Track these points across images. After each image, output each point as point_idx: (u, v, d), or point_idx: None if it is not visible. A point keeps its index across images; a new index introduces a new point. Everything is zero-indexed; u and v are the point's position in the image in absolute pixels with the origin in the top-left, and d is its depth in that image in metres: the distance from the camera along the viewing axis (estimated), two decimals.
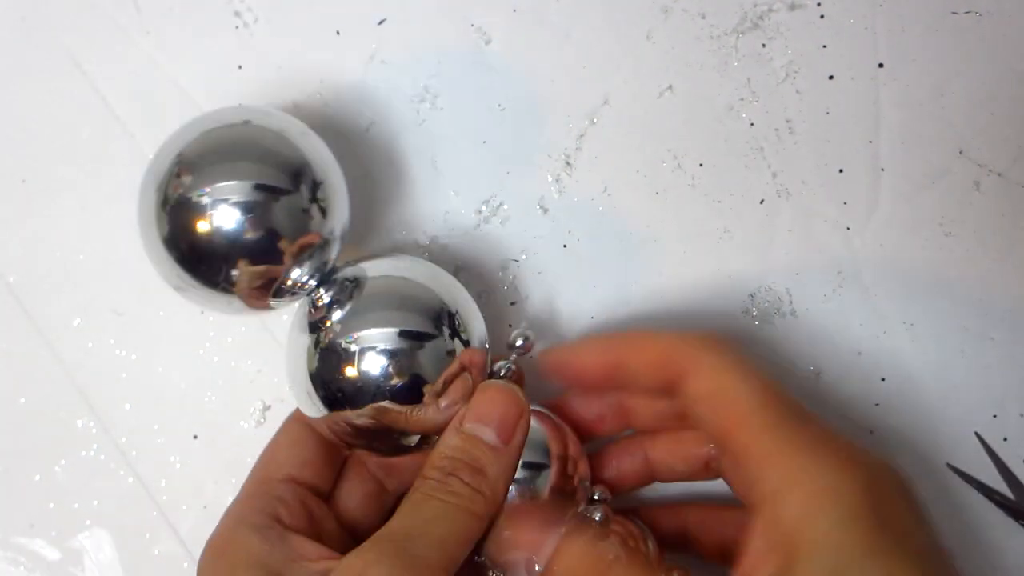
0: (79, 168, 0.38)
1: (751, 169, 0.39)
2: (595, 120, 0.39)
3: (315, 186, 0.31)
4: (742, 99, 0.39)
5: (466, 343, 0.32)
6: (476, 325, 0.33)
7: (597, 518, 0.32)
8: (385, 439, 0.32)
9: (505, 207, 0.39)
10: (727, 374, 0.30)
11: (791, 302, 0.38)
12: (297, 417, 0.34)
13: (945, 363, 0.38)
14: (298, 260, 0.31)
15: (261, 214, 0.30)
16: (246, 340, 0.38)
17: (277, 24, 0.39)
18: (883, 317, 0.38)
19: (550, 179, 0.39)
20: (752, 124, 0.39)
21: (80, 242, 0.38)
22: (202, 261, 0.30)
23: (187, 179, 0.30)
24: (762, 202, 0.39)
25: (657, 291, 0.38)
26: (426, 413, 0.31)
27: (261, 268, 0.30)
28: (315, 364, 0.31)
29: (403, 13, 0.39)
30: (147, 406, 0.38)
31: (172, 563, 0.38)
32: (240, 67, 0.39)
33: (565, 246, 0.39)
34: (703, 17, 0.39)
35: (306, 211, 0.31)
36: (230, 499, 0.37)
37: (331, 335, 0.31)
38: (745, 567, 0.28)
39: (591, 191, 0.39)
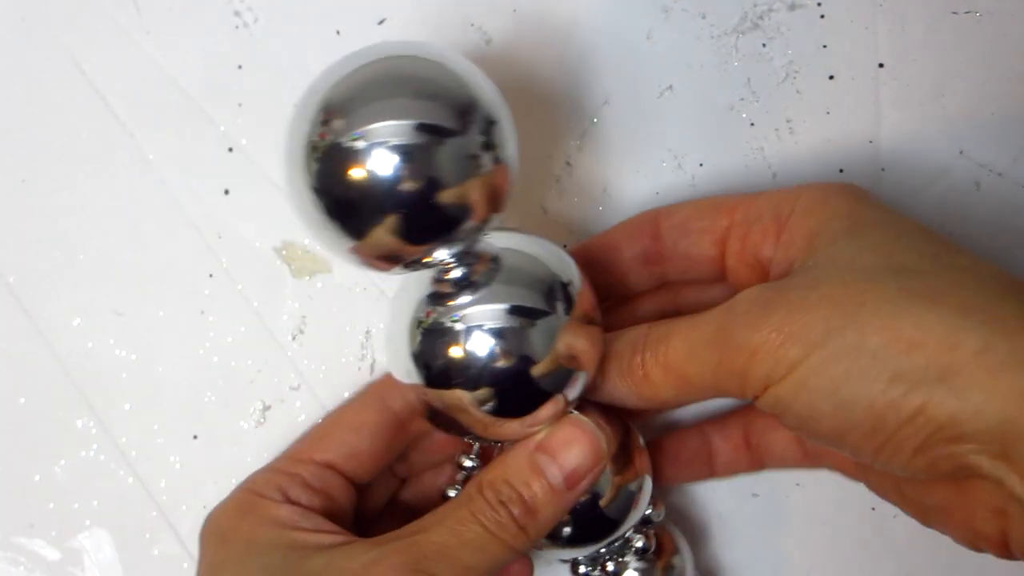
0: (79, 168, 0.38)
1: (751, 169, 0.39)
2: (595, 120, 0.39)
3: (488, 126, 0.27)
4: (742, 99, 0.39)
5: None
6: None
7: (639, 546, 0.31)
8: (460, 431, 0.30)
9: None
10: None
11: None
12: (370, 396, 0.33)
13: None
14: (473, 224, 0.27)
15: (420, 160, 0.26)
16: (246, 340, 0.38)
17: (277, 24, 0.39)
18: None
19: (550, 179, 0.39)
20: (752, 124, 0.39)
21: (80, 242, 0.38)
22: (351, 214, 0.26)
23: (338, 123, 0.26)
24: None
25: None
26: (507, 426, 0.29)
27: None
28: (417, 342, 0.29)
29: (403, 13, 0.39)
30: (147, 406, 0.38)
31: (172, 563, 0.38)
32: (240, 67, 0.39)
33: (565, 246, 0.39)
34: (703, 17, 0.39)
35: (475, 156, 0.27)
36: None
37: (449, 316, 0.28)
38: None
39: (591, 191, 0.39)
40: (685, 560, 0.34)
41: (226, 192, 0.38)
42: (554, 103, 0.39)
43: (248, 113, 0.38)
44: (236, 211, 0.38)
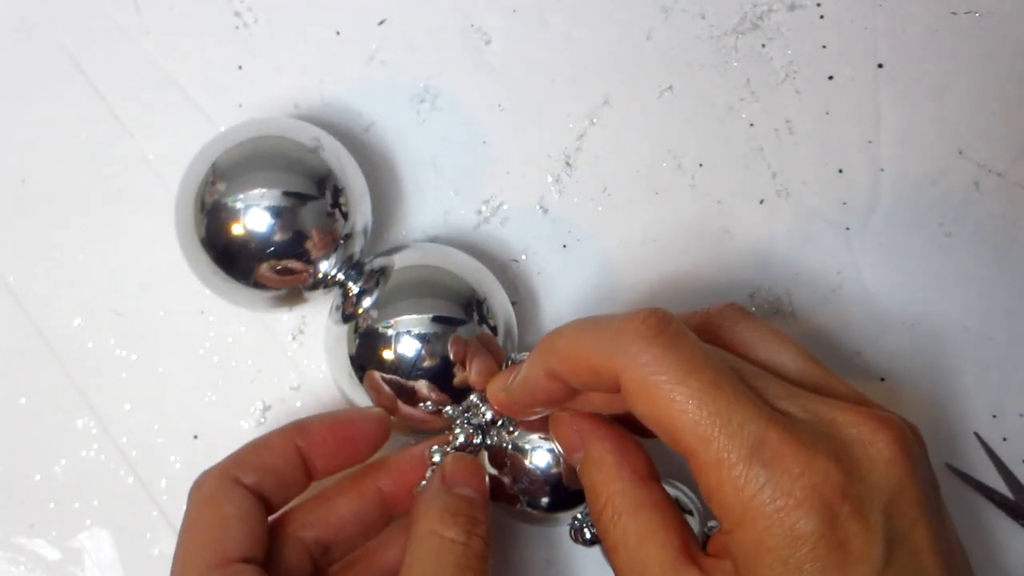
0: (79, 168, 0.38)
1: (751, 169, 0.39)
2: (595, 120, 0.39)
3: (337, 192, 0.33)
4: (742, 99, 0.39)
5: (493, 328, 0.34)
6: (501, 306, 0.35)
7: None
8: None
9: (505, 207, 0.39)
10: (655, 365, 0.26)
11: (791, 302, 0.38)
12: (228, 472, 0.31)
13: (945, 363, 0.38)
14: (324, 256, 0.33)
15: (289, 217, 0.32)
16: (246, 340, 0.38)
17: (277, 24, 0.39)
18: (883, 317, 0.38)
19: (550, 179, 0.39)
20: (752, 124, 0.39)
21: (80, 242, 0.38)
22: (236, 259, 0.33)
23: (221, 186, 0.32)
24: (762, 202, 0.39)
25: (657, 291, 0.38)
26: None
27: (291, 264, 0.33)
28: (354, 348, 0.33)
29: (403, 13, 0.39)
30: (147, 406, 0.38)
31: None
32: (240, 67, 0.39)
33: (565, 246, 0.39)
34: (703, 17, 0.39)
35: (330, 214, 0.33)
36: None
37: (368, 320, 0.33)
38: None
39: (591, 191, 0.39)
40: (696, 517, 0.34)
41: None
42: (554, 103, 0.39)
43: (248, 113, 0.38)
44: None
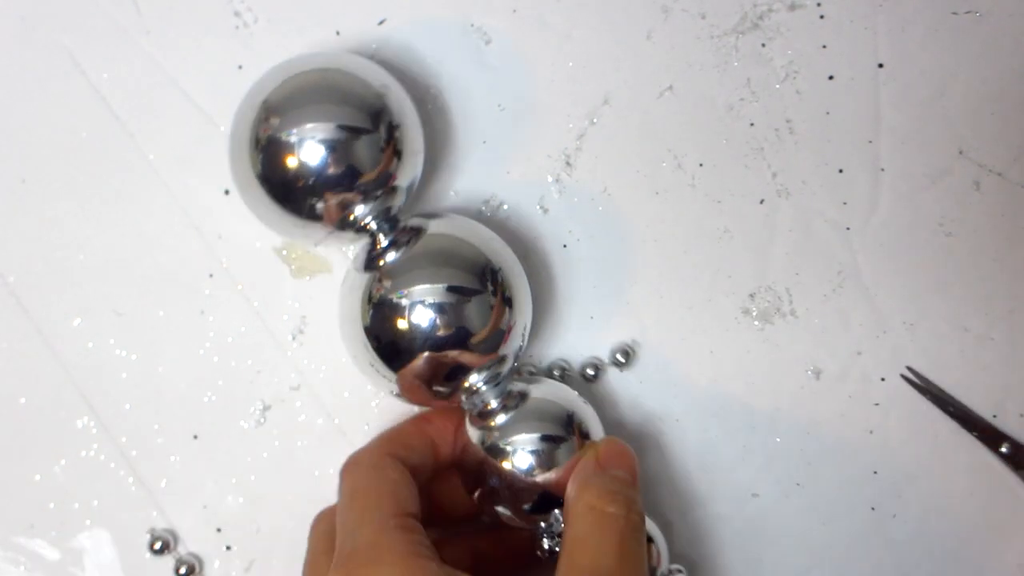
0: (79, 168, 0.38)
1: (751, 169, 0.39)
2: (595, 120, 0.39)
3: (392, 128, 0.33)
4: (742, 99, 0.39)
5: (508, 301, 0.34)
6: (524, 296, 0.35)
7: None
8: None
9: (505, 207, 0.39)
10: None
11: (791, 302, 0.38)
12: (378, 457, 0.34)
13: (945, 363, 0.38)
14: (369, 194, 0.33)
15: (342, 150, 0.32)
16: (246, 340, 0.38)
17: (277, 24, 0.39)
18: (883, 317, 0.38)
19: (550, 179, 0.39)
20: (752, 124, 0.39)
21: (80, 242, 0.38)
22: (290, 192, 0.33)
23: (275, 121, 0.32)
24: (762, 202, 0.39)
25: (657, 291, 0.38)
26: None
27: (338, 196, 0.33)
28: (368, 318, 0.33)
29: (403, 13, 0.39)
30: (147, 406, 0.38)
31: (172, 563, 0.38)
32: (240, 67, 0.38)
33: (565, 246, 0.39)
34: (703, 17, 0.39)
35: (382, 150, 0.33)
36: (230, 499, 0.38)
37: (382, 291, 0.33)
38: None
39: (591, 191, 0.39)
40: (660, 548, 0.35)
41: (226, 192, 0.38)
42: (554, 103, 0.39)
43: None
44: (236, 211, 0.38)
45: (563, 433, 0.34)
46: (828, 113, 0.39)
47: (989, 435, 0.38)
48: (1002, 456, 0.37)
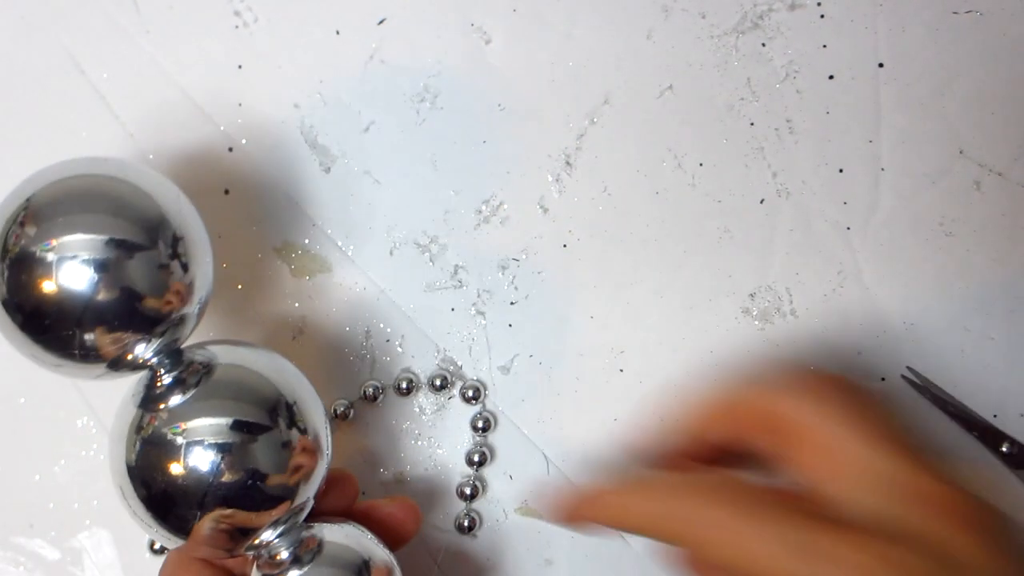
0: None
1: (751, 169, 0.39)
2: (595, 120, 0.39)
3: (175, 241, 0.28)
4: (742, 99, 0.39)
5: (303, 431, 0.30)
6: (316, 417, 0.31)
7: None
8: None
9: (505, 207, 0.39)
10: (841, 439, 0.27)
11: (791, 302, 0.38)
12: (175, 562, 0.31)
13: (945, 363, 0.38)
14: (154, 329, 0.28)
15: (115, 272, 0.27)
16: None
17: (277, 24, 0.39)
18: (883, 317, 0.38)
19: (550, 179, 0.39)
20: (752, 124, 0.39)
21: None
22: (48, 326, 0.28)
23: (31, 230, 0.27)
24: (762, 202, 0.39)
25: (657, 291, 0.38)
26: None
27: (114, 335, 0.27)
28: (135, 456, 0.28)
29: (403, 13, 0.39)
30: None
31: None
32: (240, 67, 0.39)
33: (565, 246, 0.39)
34: (703, 17, 0.39)
35: (165, 267, 0.28)
36: None
37: (157, 422, 0.28)
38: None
39: (591, 191, 0.39)
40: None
41: (226, 192, 0.38)
42: (554, 103, 0.39)
43: (248, 113, 0.38)
44: (236, 211, 0.38)
45: None
46: (828, 113, 0.39)
47: (989, 435, 0.37)
48: (1002, 456, 0.37)
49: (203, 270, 0.30)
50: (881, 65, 0.39)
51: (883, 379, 0.38)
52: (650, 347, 0.38)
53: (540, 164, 0.39)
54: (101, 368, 0.28)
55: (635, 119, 0.39)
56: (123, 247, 0.27)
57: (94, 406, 0.38)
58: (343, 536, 0.31)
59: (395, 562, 0.31)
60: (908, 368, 0.38)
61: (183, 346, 0.30)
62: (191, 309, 0.29)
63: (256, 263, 0.38)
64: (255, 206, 0.38)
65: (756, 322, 0.38)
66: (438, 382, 0.38)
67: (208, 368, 0.29)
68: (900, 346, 0.38)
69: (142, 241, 0.27)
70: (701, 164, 0.39)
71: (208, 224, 0.38)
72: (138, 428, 0.29)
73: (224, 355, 0.30)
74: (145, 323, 0.28)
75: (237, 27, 0.39)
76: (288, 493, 0.29)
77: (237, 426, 0.28)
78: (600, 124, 0.39)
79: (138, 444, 0.28)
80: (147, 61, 0.38)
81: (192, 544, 0.29)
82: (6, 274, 0.27)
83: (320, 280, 0.38)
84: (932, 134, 0.38)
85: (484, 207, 0.39)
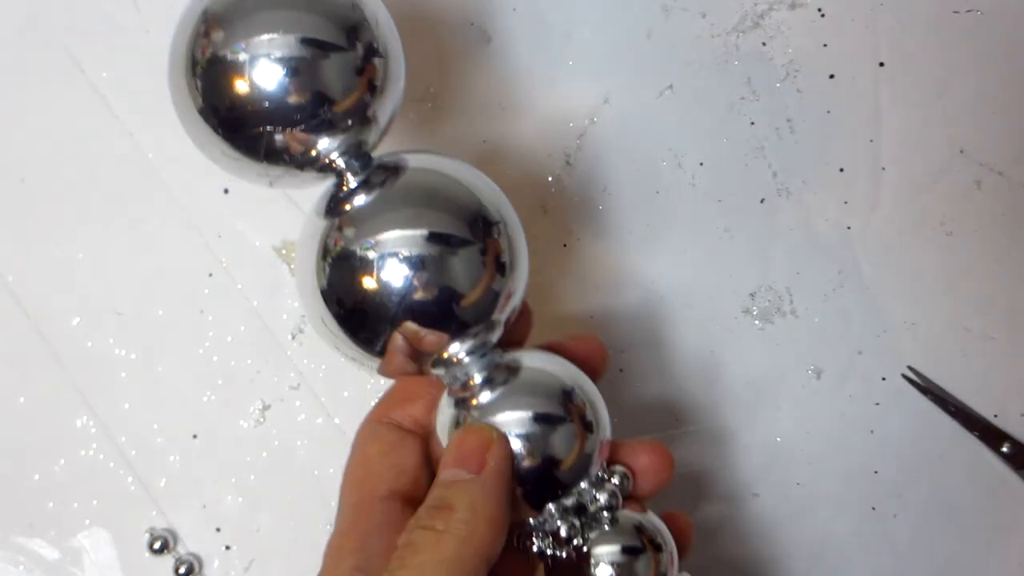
0: (79, 168, 0.38)
1: (751, 168, 0.39)
2: (595, 119, 0.39)
3: (370, 46, 0.27)
4: (742, 98, 0.39)
5: (502, 264, 0.28)
6: (523, 257, 0.29)
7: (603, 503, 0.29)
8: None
9: None
10: None
11: (791, 302, 0.38)
12: (377, 418, 0.31)
13: (946, 363, 0.38)
14: (338, 125, 0.27)
15: (305, 72, 0.26)
16: (246, 340, 0.38)
17: None
18: (883, 317, 0.38)
19: (550, 179, 0.39)
20: (752, 123, 0.39)
21: (80, 242, 0.38)
22: (240, 128, 0.27)
23: (218, 35, 0.26)
24: (763, 201, 0.39)
25: (657, 291, 0.38)
26: None
27: (298, 134, 0.26)
28: (325, 280, 0.27)
29: (403, 13, 0.39)
30: (147, 406, 0.38)
31: (172, 563, 0.38)
32: None
33: (565, 246, 0.39)
34: (703, 16, 0.39)
35: (358, 73, 0.26)
36: (230, 499, 0.38)
37: (342, 241, 0.27)
38: None
39: (591, 191, 0.39)
40: (670, 554, 0.30)
41: (226, 192, 0.38)
42: (554, 103, 0.39)
43: None
44: (236, 211, 0.38)
45: (560, 412, 0.27)
46: (829, 112, 0.38)
47: (990, 435, 0.37)
48: (1003, 456, 0.37)
49: (396, 80, 0.28)
50: (881, 65, 0.39)
51: (883, 379, 0.38)
52: (650, 347, 0.38)
53: (540, 164, 0.39)
54: (290, 166, 0.27)
55: (635, 119, 0.39)
56: (317, 46, 0.26)
57: (93, 406, 0.38)
58: (543, 362, 0.29)
59: (600, 398, 0.29)
60: (908, 368, 0.38)
61: (372, 152, 0.29)
62: (381, 114, 0.28)
63: (256, 262, 0.38)
64: (255, 206, 0.38)
65: (756, 322, 0.38)
66: None
67: (396, 170, 0.28)
68: (900, 346, 0.38)
69: (339, 42, 0.26)
70: (701, 164, 0.39)
71: (208, 223, 0.38)
72: (324, 252, 0.27)
73: (417, 159, 0.28)
74: (331, 123, 0.27)
75: None
76: (481, 314, 0.27)
77: (433, 238, 0.26)
78: (600, 123, 0.39)
79: (327, 268, 0.27)
80: (147, 61, 0.38)
81: (387, 361, 0.28)
82: (198, 83, 0.27)
83: None
84: (933, 133, 0.38)
85: None
